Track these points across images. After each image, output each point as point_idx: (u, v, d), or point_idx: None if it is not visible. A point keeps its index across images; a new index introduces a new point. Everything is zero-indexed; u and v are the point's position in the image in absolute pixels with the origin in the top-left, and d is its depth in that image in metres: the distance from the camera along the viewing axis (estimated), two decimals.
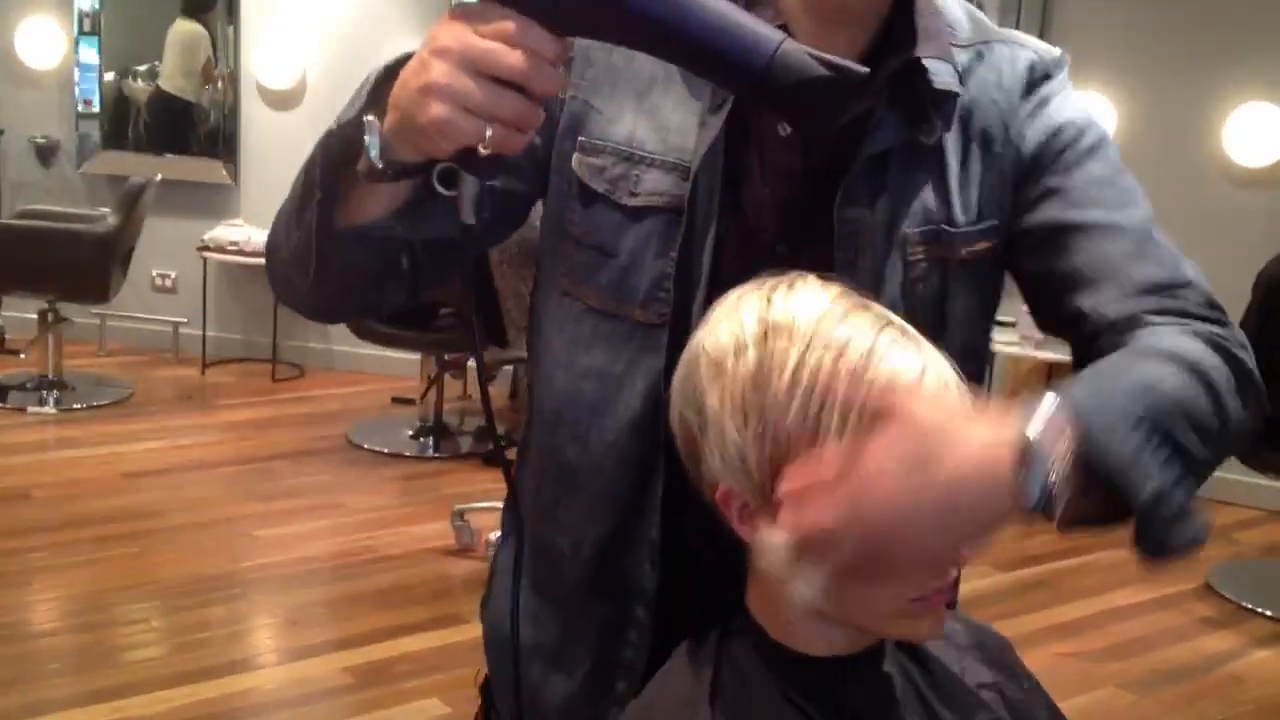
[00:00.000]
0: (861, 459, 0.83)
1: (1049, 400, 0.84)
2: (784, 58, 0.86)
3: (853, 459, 0.83)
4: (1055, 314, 1.13)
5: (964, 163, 1.14)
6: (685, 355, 0.99)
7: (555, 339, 1.19)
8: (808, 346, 0.91)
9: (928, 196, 1.13)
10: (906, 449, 0.82)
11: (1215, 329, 1.04)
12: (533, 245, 1.22)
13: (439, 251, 1.13)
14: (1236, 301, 3.91)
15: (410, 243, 1.09)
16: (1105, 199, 1.13)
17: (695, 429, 0.96)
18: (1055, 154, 1.16)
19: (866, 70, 0.87)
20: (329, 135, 1.01)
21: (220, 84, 6.41)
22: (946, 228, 1.13)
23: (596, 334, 1.15)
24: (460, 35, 0.87)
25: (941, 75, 1.12)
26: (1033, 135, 1.16)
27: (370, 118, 0.93)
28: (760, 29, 0.88)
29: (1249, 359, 1.03)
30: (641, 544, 1.15)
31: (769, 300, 0.95)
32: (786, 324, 0.93)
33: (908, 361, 0.91)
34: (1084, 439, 0.83)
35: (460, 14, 0.88)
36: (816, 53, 0.87)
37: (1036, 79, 1.18)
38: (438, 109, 0.87)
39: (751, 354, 0.93)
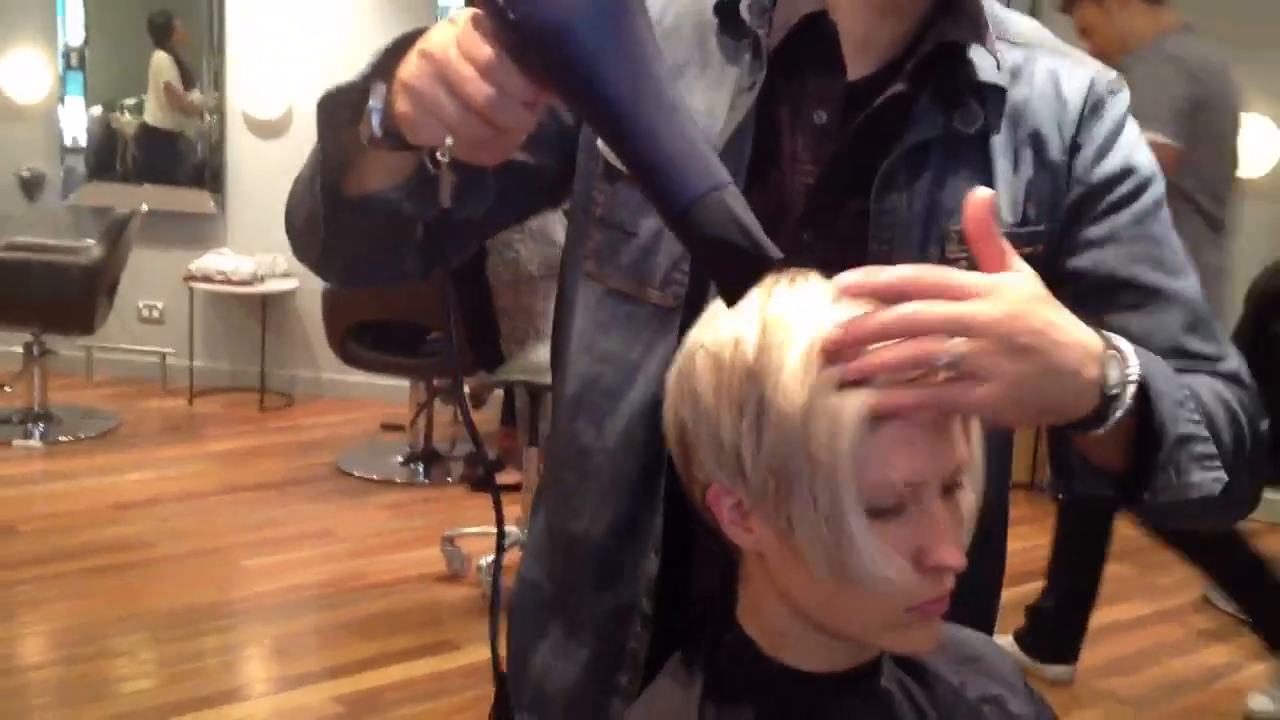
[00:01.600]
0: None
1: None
2: (707, 207, 0.82)
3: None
4: None
5: (1014, 164, 1.13)
6: (682, 352, 0.97)
7: (579, 322, 1.20)
8: (815, 335, 0.88)
9: (967, 189, 1.11)
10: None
11: (1247, 394, 1.11)
12: (555, 261, 1.20)
13: (459, 225, 1.14)
14: (1232, 313, 3.89)
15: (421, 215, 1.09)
16: (1167, 262, 1.14)
17: (689, 425, 0.94)
18: (1125, 196, 1.14)
19: (780, 256, 0.84)
20: (326, 96, 1.02)
21: (206, 116, 6.40)
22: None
23: (615, 317, 1.15)
24: (445, 45, 0.85)
25: (985, 69, 1.11)
26: (1107, 163, 1.14)
27: (380, 84, 0.93)
28: (709, 165, 0.83)
29: (1265, 428, 1.11)
30: (647, 532, 1.14)
31: (770, 294, 0.92)
32: (787, 317, 0.90)
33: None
34: (1143, 373, 0.93)
35: (461, 20, 0.87)
36: (743, 218, 0.83)
37: (1099, 97, 1.16)
38: (405, 106, 0.88)
39: (750, 347, 0.90)
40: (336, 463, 5.28)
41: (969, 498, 0.93)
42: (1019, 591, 4.19)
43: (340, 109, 1.01)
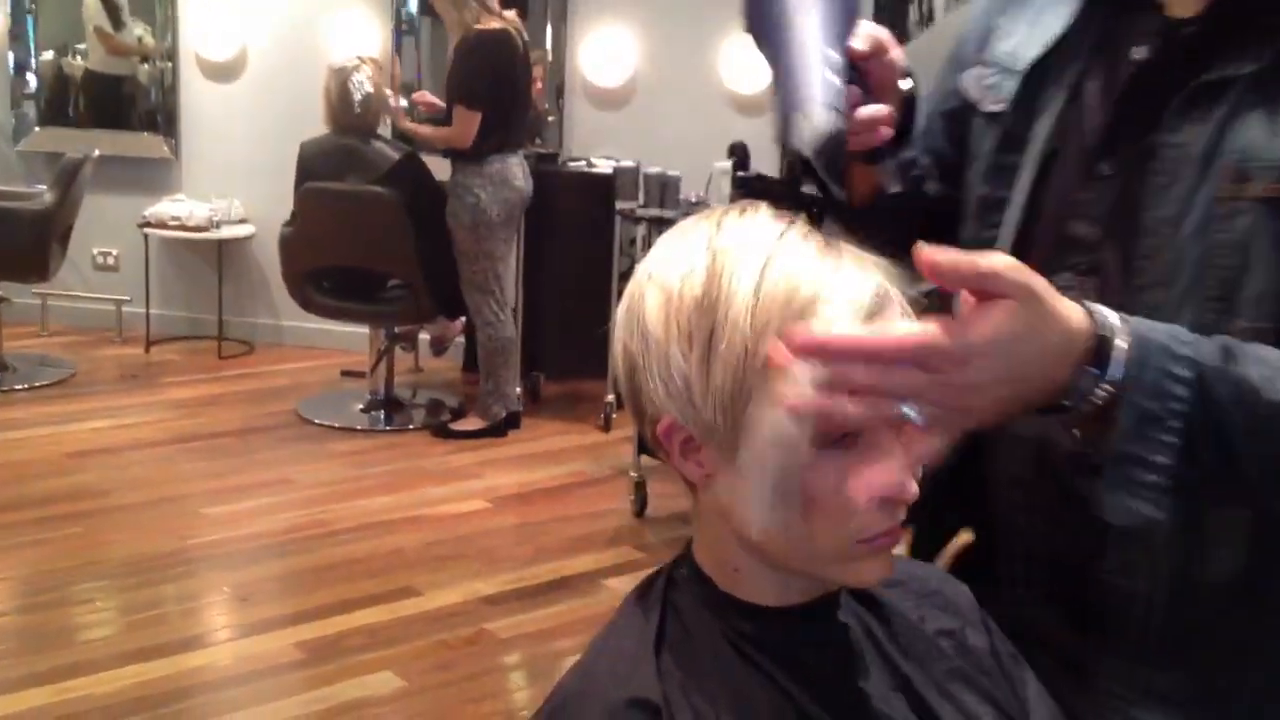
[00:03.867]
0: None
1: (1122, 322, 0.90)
2: (790, 137, 0.99)
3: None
4: None
5: None
6: (630, 285, 0.96)
7: None
8: (764, 265, 0.88)
9: (1255, 128, 1.05)
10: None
11: None
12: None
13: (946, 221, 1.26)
14: None
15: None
16: None
17: (639, 358, 0.93)
18: None
19: (815, 198, 0.97)
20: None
21: (156, 61, 6.30)
22: (1271, 163, 1.03)
23: None
24: None
25: None
26: None
27: None
28: (806, 101, 1.00)
29: None
30: None
31: (719, 225, 0.92)
32: (737, 249, 0.90)
33: (861, 285, 0.88)
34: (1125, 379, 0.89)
35: None
36: (806, 154, 0.97)
37: None
38: None
39: (699, 277, 0.90)
40: (297, 410, 5.26)
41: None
42: None
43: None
